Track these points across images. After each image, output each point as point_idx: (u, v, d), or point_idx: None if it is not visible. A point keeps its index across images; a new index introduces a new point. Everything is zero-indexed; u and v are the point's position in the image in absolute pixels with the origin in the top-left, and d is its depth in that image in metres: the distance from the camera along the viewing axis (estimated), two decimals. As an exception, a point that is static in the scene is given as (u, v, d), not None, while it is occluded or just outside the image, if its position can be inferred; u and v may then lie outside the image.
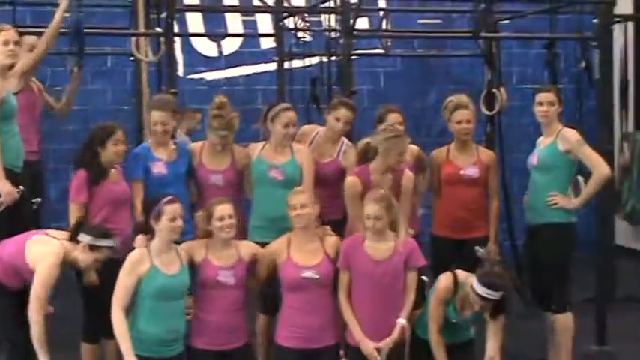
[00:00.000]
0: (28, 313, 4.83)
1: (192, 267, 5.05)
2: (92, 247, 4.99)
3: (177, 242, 5.06)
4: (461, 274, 5.18)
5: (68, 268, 5.09)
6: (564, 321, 5.90)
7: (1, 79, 5.60)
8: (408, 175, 5.60)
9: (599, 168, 5.73)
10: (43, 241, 5.04)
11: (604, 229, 7.22)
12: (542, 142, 5.96)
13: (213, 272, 5.02)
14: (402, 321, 5.08)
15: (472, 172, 5.99)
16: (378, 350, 5.02)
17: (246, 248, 5.19)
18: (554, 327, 5.93)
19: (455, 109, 6.01)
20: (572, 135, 5.82)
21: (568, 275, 5.92)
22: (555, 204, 5.78)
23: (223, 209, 5.00)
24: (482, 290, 4.91)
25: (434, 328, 5.11)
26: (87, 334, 5.49)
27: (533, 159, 5.96)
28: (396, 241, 5.11)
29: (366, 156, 5.54)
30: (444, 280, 5.20)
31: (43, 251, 4.95)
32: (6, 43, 5.66)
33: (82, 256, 5.00)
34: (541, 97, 5.93)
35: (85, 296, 5.40)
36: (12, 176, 5.30)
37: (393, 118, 6.03)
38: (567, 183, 5.89)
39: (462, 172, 5.99)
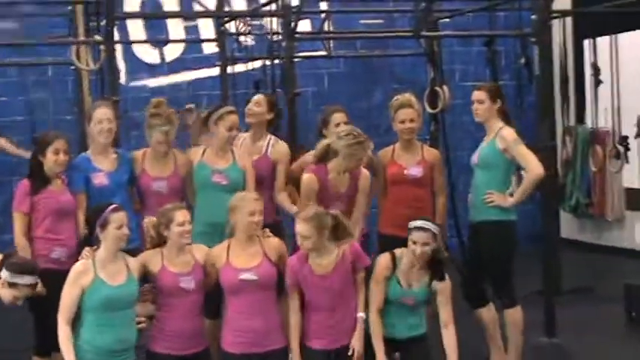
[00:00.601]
0: None
1: (148, 276, 4.97)
2: (10, 284, 4.83)
3: (126, 251, 4.97)
4: (397, 250, 5.19)
5: None
6: (513, 315, 5.91)
7: None
8: (365, 174, 5.62)
9: (533, 168, 5.76)
10: None
11: (548, 223, 7.25)
12: (484, 140, 5.98)
13: (174, 279, 4.93)
14: (361, 314, 5.05)
15: (416, 171, 5.95)
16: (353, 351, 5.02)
17: (200, 252, 5.11)
18: (505, 322, 5.95)
19: (399, 108, 5.97)
20: (508, 134, 5.83)
21: (510, 271, 5.93)
22: (492, 202, 5.80)
23: (184, 214, 4.93)
24: (414, 224, 5.02)
25: (373, 308, 5.07)
26: (37, 349, 5.42)
27: (475, 157, 5.97)
28: (339, 252, 5.05)
29: (325, 156, 5.50)
30: (382, 258, 5.18)
31: None
32: None
33: (1, 291, 4.87)
34: (473, 95, 5.99)
35: (34, 311, 5.32)
36: None
37: (338, 117, 6.02)
38: (506, 180, 5.91)
39: (405, 171, 5.94)
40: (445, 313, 5.15)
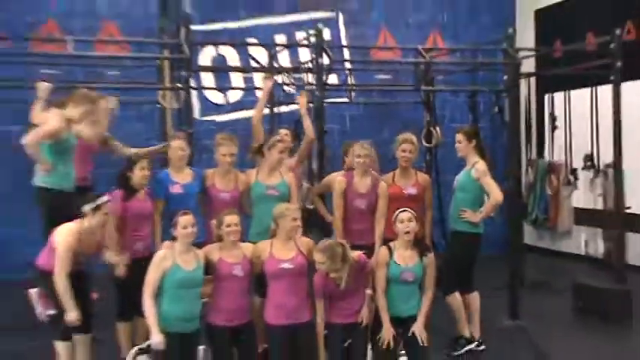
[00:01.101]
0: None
1: (209, 265, 4.94)
2: (93, 210, 4.96)
3: (196, 245, 4.95)
4: (391, 243, 5.12)
5: (91, 239, 5.05)
6: (473, 298, 5.97)
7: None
8: (383, 184, 5.66)
9: (495, 195, 5.76)
10: (62, 227, 5.00)
11: (514, 233, 7.17)
12: (463, 170, 5.98)
13: (228, 268, 4.91)
14: (368, 291, 4.99)
15: (412, 190, 5.88)
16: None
17: (248, 248, 5.08)
18: (467, 304, 5.95)
19: (402, 142, 5.91)
20: (480, 166, 5.84)
21: (471, 268, 5.95)
22: (464, 217, 5.82)
23: (232, 219, 4.92)
24: (398, 211, 5.03)
25: (379, 288, 4.99)
26: (120, 315, 5.45)
27: (455, 182, 6.01)
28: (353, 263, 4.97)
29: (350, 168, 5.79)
30: (381, 250, 5.12)
31: (60, 232, 4.94)
32: None
33: (91, 221, 4.97)
34: (456, 137, 6.03)
35: (118, 287, 5.36)
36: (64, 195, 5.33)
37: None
38: (478, 201, 5.88)
39: (403, 191, 5.87)
40: (427, 281, 5.05)
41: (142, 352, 5.02)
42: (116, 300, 5.44)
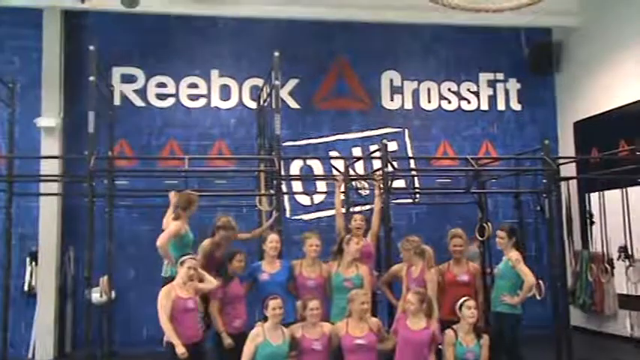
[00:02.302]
0: None
1: (294, 340, 5.08)
2: (181, 264, 5.25)
3: (283, 324, 5.10)
4: (455, 326, 5.24)
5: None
6: None
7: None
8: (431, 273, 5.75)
9: (528, 279, 5.76)
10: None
11: (557, 316, 6.96)
12: (502, 260, 6.01)
13: (309, 343, 5.04)
14: None
15: (464, 277, 5.94)
16: None
17: (328, 327, 5.22)
18: None
19: (452, 237, 6.03)
20: (516, 256, 5.89)
21: (517, 345, 5.82)
22: (504, 300, 5.80)
23: (314, 303, 5.12)
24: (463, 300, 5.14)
25: None
26: None
27: (496, 270, 6.05)
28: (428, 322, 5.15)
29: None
30: (448, 332, 5.20)
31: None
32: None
33: (180, 273, 5.23)
34: (497, 233, 6.10)
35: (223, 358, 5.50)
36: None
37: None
38: (516, 287, 5.85)
39: (457, 278, 5.94)
40: (485, 355, 5.13)
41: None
42: None
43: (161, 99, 10.16)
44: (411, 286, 5.68)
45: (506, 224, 6.47)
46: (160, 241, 5.58)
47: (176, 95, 10.20)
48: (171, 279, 5.55)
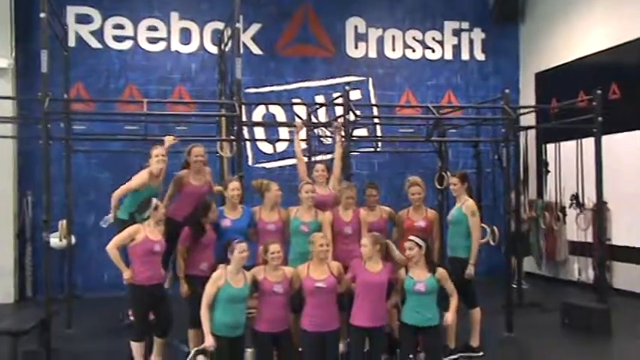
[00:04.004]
0: None
1: (255, 283, 5.16)
2: (155, 208, 5.35)
3: (247, 268, 5.18)
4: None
5: None
6: (475, 313, 6.03)
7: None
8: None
9: (475, 235, 5.90)
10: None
11: (511, 261, 7.31)
12: (456, 207, 6.12)
13: (270, 286, 5.13)
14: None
15: (421, 223, 6.03)
16: None
17: (289, 270, 5.29)
18: (470, 317, 6.05)
19: (411, 186, 6.11)
20: (471, 205, 5.98)
21: (470, 285, 5.97)
22: (469, 273, 5.89)
23: (275, 247, 5.18)
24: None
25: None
26: (192, 324, 5.53)
27: (449, 216, 6.14)
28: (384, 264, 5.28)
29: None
30: (398, 272, 5.34)
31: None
32: (156, 155, 5.76)
33: (153, 215, 5.32)
34: (450, 180, 6.21)
35: (190, 302, 5.55)
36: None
37: (369, 191, 6.11)
38: (469, 233, 5.94)
39: (415, 224, 6.04)
40: (449, 288, 5.27)
41: (199, 352, 5.29)
42: (189, 312, 5.54)
43: (119, 41, 9.99)
44: (344, 229, 5.79)
45: (460, 171, 6.57)
46: (116, 192, 5.70)
47: (134, 38, 10.04)
48: (123, 222, 5.60)
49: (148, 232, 5.26)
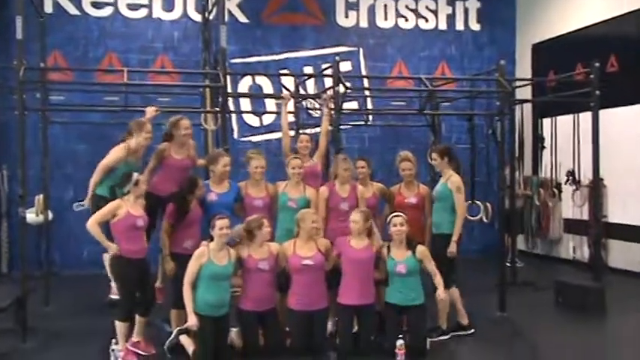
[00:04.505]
0: None
1: (240, 260, 5.19)
2: (135, 183, 5.24)
3: (230, 244, 5.17)
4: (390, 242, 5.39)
5: None
6: (453, 292, 5.98)
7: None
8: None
9: (459, 212, 5.84)
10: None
11: (501, 240, 7.24)
12: (440, 182, 6.07)
13: (255, 263, 5.16)
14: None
15: (413, 200, 6.04)
16: None
17: (275, 246, 5.32)
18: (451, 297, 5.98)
19: (402, 161, 6.09)
20: (456, 181, 5.91)
21: (453, 264, 5.95)
22: (452, 252, 5.81)
23: (264, 223, 5.22)
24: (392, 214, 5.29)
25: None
26: (175, 304, 5.50)
27: (434, 192, 6.07)
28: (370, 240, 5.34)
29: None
30: (382, 248, 5.37)
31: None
32: (148, 132, 5.70)
33: (133, 190, 5.25)
34: (431, 156, 6.21)
35: (172, 281, 5.54)
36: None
37: (358, 164, 6.11)
38: (452, 208, 5.87)
39: (406, 200, 6.05)
40: (430, 268, 5.31)
41: (182, 332, 5.32)
42: (171, 291, 5.54)
43: (98, 7, 9.83)
44: (340, 205, 5.75)
45: (440, 145, 6.51)
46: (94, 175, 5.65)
47: (114, 4, 9.87)
48: (102, 199, 5.55)
49: (130, 207, 5.23)
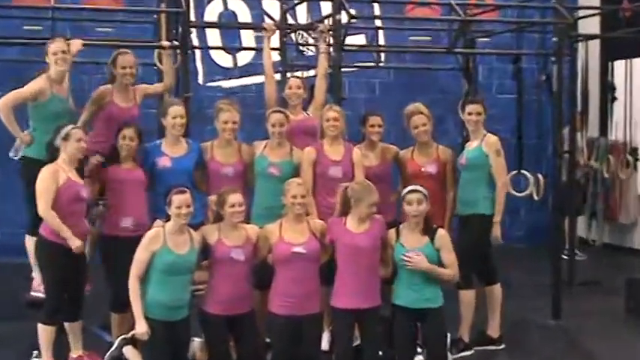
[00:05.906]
0: None
1: (206, 248, 5.18)
2: (64, 138, 5.25)
3: (191, 225, 5.16)
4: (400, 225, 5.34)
5: None
6: (492, 291, 6.04)
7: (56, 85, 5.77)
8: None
9: (502, 180, 5.89)
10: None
11: (560, 224, 7.33)
12: (470, 145, 6.06)
13: (227, 251, 5.14)
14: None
15: (430, 168, 6.01)
16: None
17: (253, 230, 5.30)
18: (487, 295, 6.07)
19: (412, 115, 6.06)
20: (494, 142, 5.93)
21: (490, 254, 6.02)
22: (497, 236, 5.87)
23: (236, 197, 5.13)
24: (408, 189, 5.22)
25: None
26: (116, 306, 5.56)
27: (462, 159, 6.03)
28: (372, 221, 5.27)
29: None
30: (389, 232, 5.29)
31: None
32: (55, 53, 5.72)
33: (67, 149, 5.26)
34: (470, 108, 6.06)
35: (111, 276, 5.58)
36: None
37: (374, 120, 6.08)
38: (490, 179, 5.90)
39: (422, 169, 6.00)
40: (446, 259, 5.17)
41: (126, 342, 5.26)
42: (111, 287, 5.62)
43: None
44: (329, 170, 5.77)
45: (480, 97, 6.51)
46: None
47: None
48: (32, 161, 5.53)
49: (69, 173, 5.22)
